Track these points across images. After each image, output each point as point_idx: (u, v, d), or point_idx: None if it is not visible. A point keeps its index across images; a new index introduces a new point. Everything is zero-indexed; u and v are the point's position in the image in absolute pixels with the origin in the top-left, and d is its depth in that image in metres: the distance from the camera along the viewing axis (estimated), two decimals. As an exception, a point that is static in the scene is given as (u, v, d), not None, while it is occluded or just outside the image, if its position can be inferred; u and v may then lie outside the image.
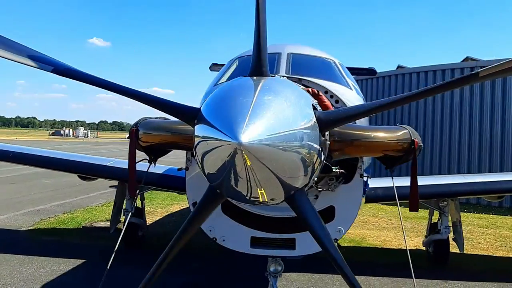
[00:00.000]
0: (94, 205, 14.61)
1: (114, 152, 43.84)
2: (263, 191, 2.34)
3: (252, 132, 2.12)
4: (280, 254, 4.08)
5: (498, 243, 11.04)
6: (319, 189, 3.83)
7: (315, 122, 2.45)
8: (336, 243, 4.12)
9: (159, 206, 14.58)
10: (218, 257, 8.64)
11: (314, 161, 2.38)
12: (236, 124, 2.15)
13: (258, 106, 2.23)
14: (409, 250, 3.92)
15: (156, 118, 3.55)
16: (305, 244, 3.93)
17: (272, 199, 2.45)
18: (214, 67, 18.03)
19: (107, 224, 11.32)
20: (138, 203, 9.90)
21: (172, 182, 7.84)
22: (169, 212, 13.82)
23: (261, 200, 2.44)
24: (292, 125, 2.26)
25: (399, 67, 20.63)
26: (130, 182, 3.54)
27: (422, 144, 3.46)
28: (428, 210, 9.59)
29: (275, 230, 3.95)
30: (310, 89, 3.85)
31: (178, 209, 14.35)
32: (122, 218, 9.49)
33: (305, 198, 2.60)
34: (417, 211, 3.48)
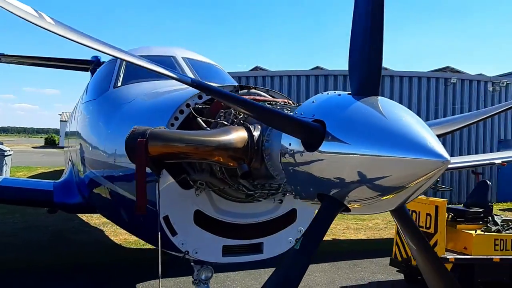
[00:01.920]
0: None
1: None
2: (403, 200, 2.46)
3: (442, 149, 2.23)
4: (250, 260, 4.11)
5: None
6: (287, 194, 3.85)
7: None
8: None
9: None
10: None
11: None
12: (424, 143, 2.23)
13: (415, 125, 2.33)
14: None
15: (159, 127, 3.22)
16: (271, 247, 4.10)
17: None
18: (3, 57, 15.82)
19: None
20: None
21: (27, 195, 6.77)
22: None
23: (385, 210, 2.59)
24: None
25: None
26: (140, 200, 3.09)
27: None
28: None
29: (244, 237, 3.98)
30: (286, 100, 3.95)
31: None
32: None
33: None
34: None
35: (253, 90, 4.00)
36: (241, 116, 3.54)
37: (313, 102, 2.78)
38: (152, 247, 4.71)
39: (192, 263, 4.50)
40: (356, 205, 2.55)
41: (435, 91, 19.93)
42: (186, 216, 3.76)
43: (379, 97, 2.56)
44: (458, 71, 21.95)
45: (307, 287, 8.11)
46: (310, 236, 2.69)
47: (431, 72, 21.52)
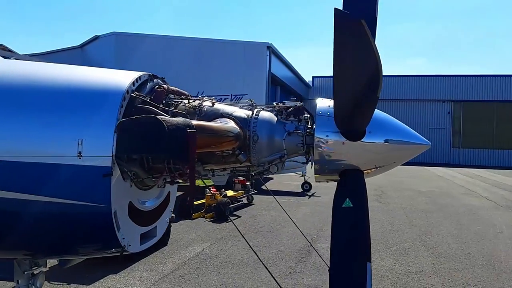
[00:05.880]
0: None
1: None
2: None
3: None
4: (151, 244, 4.09)
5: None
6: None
7: None
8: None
9: None
10: None
11: None
12: (417, 135, 3.61)
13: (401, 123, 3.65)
14: None
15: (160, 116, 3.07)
16: (159, 229, 4.20)
17: None
18: None
19: None
20: None
21: None
22: None
23: (378, 174, 3.74)
24: None
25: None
26: (192, 192, 3.29)
27: None
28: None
29: (149, 223, 3.97)
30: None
31: None
32: None
33: None
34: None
35: (159, 80, 3.88)
36: (206, 108, 3.80)
37: (329, 106, 3.51)
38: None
39: (26, 272, 3.81)
40: (369, 172, 3.61)
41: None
42: (124, 209, 3.51)
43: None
44: (11, 51, 23.96)
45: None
46: (358, 205, 3.36)
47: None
